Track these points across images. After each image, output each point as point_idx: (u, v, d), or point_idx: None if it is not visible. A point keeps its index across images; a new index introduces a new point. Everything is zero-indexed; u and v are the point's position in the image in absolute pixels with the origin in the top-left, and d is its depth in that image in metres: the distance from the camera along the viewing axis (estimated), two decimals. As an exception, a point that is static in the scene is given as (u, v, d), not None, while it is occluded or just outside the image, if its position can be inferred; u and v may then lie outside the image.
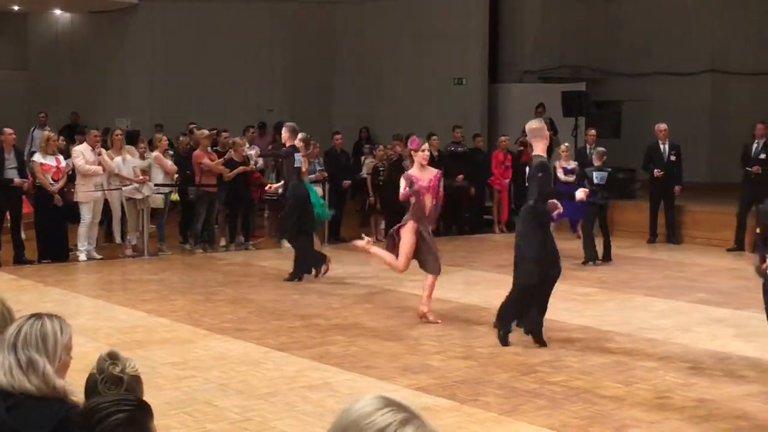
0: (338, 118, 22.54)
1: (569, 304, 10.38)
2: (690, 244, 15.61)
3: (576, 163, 15.17)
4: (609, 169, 14.03)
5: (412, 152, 9.82)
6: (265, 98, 22.64)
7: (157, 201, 14.41)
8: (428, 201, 9.66)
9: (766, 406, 6.90)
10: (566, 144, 15.56)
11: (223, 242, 15.12)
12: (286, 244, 14.86)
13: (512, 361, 8.11)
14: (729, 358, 8.24)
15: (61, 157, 13.64)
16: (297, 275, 12.09)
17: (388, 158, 16.37)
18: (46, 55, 24.04)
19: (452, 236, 16.70)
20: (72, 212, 13.75)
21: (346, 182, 16.72)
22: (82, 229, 13.72)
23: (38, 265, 13.24)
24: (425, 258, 9.63)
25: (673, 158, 15.69)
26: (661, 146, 15.76)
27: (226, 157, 14.75)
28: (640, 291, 11.54)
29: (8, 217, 13.40)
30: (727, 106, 21.79)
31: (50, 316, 3.52)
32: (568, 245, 14.30)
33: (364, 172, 16.79)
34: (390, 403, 1.88)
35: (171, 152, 15.47)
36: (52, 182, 13.31)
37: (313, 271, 12.26)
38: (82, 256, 13.68)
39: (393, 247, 9.71)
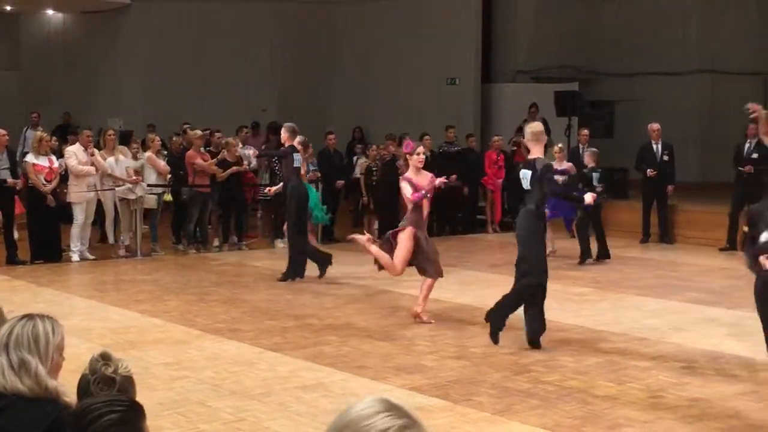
0: (332, 117, 22.52)
1: (563, 303, 10.39)
2: (683, 244, 15.64)
3: (570, 164, 15.17)
4: (599, 169, 14.10)
5: (407, 155, 9.82)
6: (260, 98, 22.62)
7: (150, 201, 14.39)
8: (426, 206, 9.67)
9: (759, 405, 6.92)
10: (560, 145, 15.54)
11: (216, 242, 15.10)
12: (279, 244, 14.88)
13: (505, 360, 8.11)
14: (722, 358, 8.26)
15: (53, 158, 13.62)
16: (290, 275, 12.07)
17: (381, 158, 16.36)
18: (38, 56, 24.00)
19: (445, 236, 16.70)
20: (65, 213, 13.73)
21: (340, 182, 16.72)
22: (75, 230, 13.69)
23: (31, 265, 13.21)
24: (423, 266, 9.61)
25: (665, 158, 15.72)
26: (654, 146, 15.80)
27: (219, 157, 14.73)
28: (633, 291, 11.55)
29: (1, 218, 13.37)
30: (719, 106, 21.82)
31: (42, 316, 3.52)
32: (562, 244, 14.34)
33: (357, 172, 16.79)
34: (391, 408, 1.87)
35: (164, 152, 15.45)
36: (45, 183, 13.28)
37: (320, 272, 12.17)
38: (75, 257, 13.66)
39: (389, 251, 9.69)
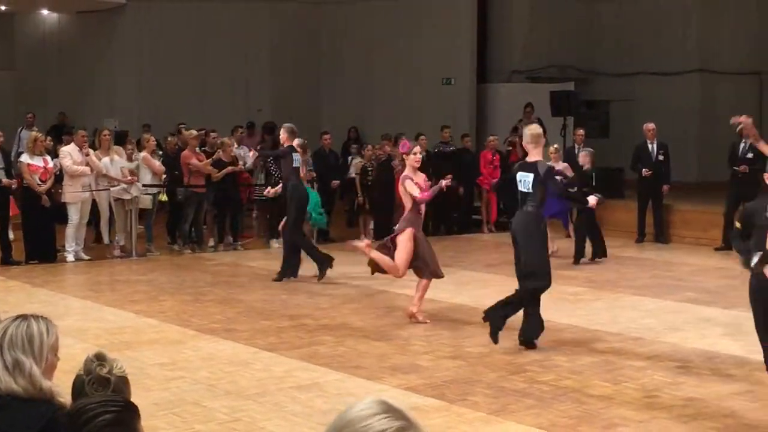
0: (327, 117, 22.52)
1: (558, 303, 10.39)
2: (678, 244, 15.65)
3: (566, 164, 15.18)
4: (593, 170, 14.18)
5: (404, 155, 9.83)
6: (259, 98, 22.60)
7: (146, 201, 14.38)
8: (423, 206, 9.68)
9: (754, 404, 6.93)
10: (555, 146, 15.56)
11: (211, 243, 15.08)
12: (274, 244, 14.86)
13: (501, 360, 8.11)
14: (717, 357, 8.27)
15: (48, 158, 13.60)
16: (285, 274, 12.05)
17: (377, 158, 16.36)
18: (33, 56, 23.96)
19: (441, 236, 16.68)
20: (60, 213, 13.72)
21: (335, 182, 16.71)
22: (70, 230, 13.68)
23: (26, 266, 13.19)
24: (420, 267, 9.61)
25: (661, 158, 15.73)
26: (650, 146, 15.81)
27: (214, 157, 14.72)
28: (629, 290, 11.56)
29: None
30: (715, 106, 21.82)
31: (36, 317, 3.51)
32: (559, 245, 14.32)
33: (353, 172, 16.78)
34: (389, 409, 1.87)
35: (159, 153, 15.44)
36: (40, 183, 13.26)
37: (319, 272, 12.10)
38: (70, 257, 13.64)
39: (388, 255, 9.68)
